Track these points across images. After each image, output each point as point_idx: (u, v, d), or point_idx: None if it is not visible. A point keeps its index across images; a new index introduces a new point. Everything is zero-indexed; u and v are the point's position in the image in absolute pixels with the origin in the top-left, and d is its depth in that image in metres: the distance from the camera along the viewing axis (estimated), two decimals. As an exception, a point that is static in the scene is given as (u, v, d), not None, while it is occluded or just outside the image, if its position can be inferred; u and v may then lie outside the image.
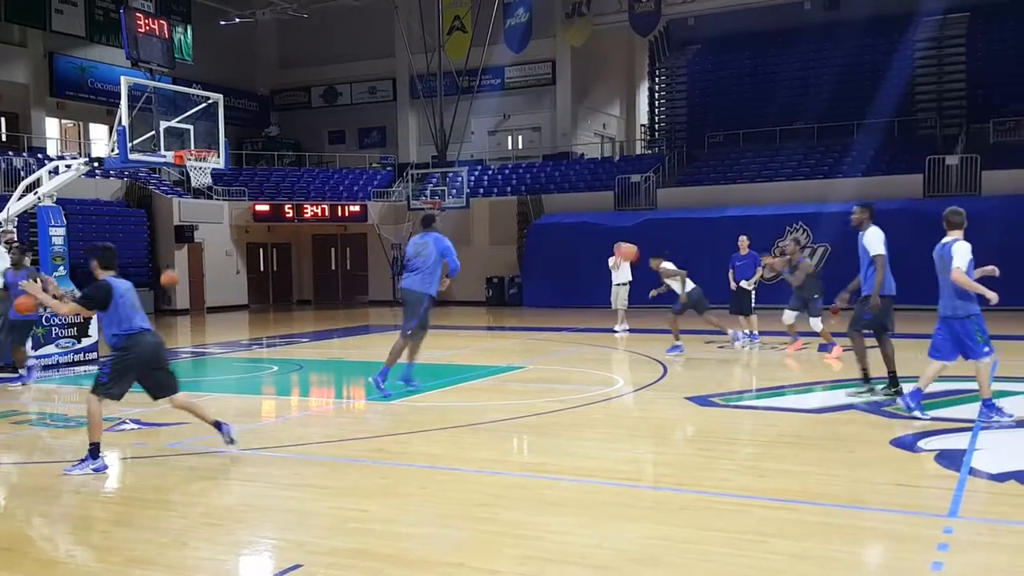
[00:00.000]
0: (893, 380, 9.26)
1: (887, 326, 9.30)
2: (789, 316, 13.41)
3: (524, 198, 28.74)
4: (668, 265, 14.25)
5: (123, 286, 6.92)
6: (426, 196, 29.31)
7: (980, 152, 24.17)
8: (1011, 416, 7.90)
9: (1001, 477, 6.22)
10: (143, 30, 17.41)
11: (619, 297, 17.58)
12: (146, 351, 6.90)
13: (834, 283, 10.84)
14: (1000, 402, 8.19)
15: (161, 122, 13.42)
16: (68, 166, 13.95)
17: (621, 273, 17.63)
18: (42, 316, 13.26)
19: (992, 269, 8.16)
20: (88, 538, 5.45)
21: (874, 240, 9.21)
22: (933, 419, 8.18)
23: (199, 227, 27.49)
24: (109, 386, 6.76)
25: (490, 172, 32.13)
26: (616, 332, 17.21)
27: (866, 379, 9.45)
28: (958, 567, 4.56)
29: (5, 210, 13.70)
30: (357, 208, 29.89)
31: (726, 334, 14.28)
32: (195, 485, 6.51)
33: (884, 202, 23.19)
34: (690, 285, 13.88)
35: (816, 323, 13.17)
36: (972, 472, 6.33)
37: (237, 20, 33.30)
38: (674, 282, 14.07)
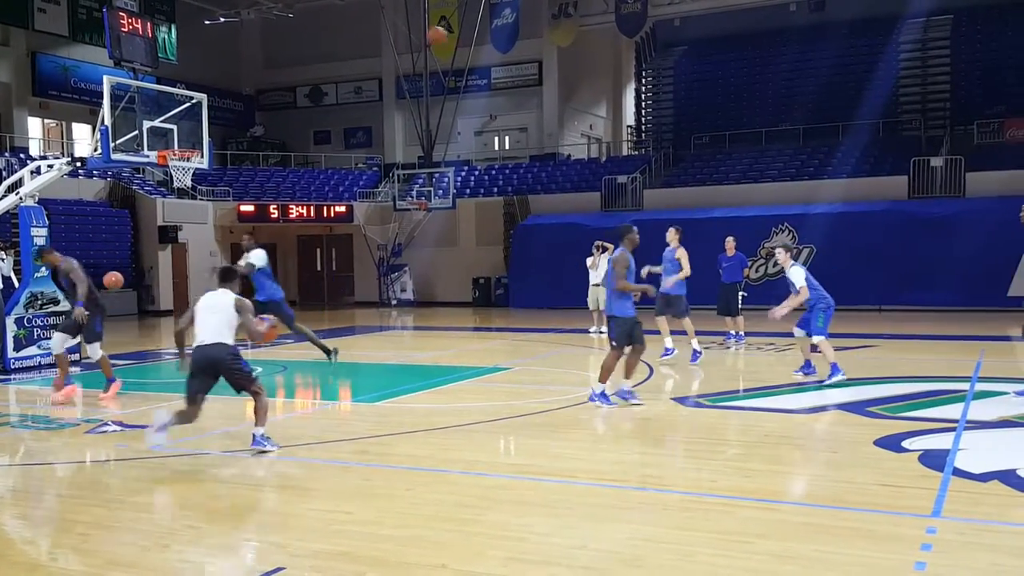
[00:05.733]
0: None
1: None
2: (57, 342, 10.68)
3: (511, 199, 28.71)
4: None
5: None
6: (412, 197, 29.25)
7: (964, 154, 24.32)
8: None
9: (984, 477, 6.25)
10: (126, 29, 17.31)
11: (600, 298, 17.52)
12: None
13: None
14: (983, 402, 8.21)
15: (144, 122, 13.31)
16: (50, 166, 13.82)
17: (600, 273, 17.57)
18: (24, 318, 13.16)
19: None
20: (69, 540, 5.40)
21: None
22: (917, 419, 8.21)
23: (183, 227, 27.33)
24: None
25: (476, 173, 32.10)
26: (591, 332, 17.21)
27: None
28: (941, 567, 4.57)
29: (-14, 210, 13.57)
30: (343, 209, 29.79)
31: None
32: (177, 487, 6.46)
33: (868, 203, 23.38)
34: None
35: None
36: (956, 472, 6.35)
37: (222, 19, 33.13)
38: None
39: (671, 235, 12.89)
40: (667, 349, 12.83)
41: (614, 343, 9.17)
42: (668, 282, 12.54)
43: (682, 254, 12.58)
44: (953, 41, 29.60)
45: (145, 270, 26.98)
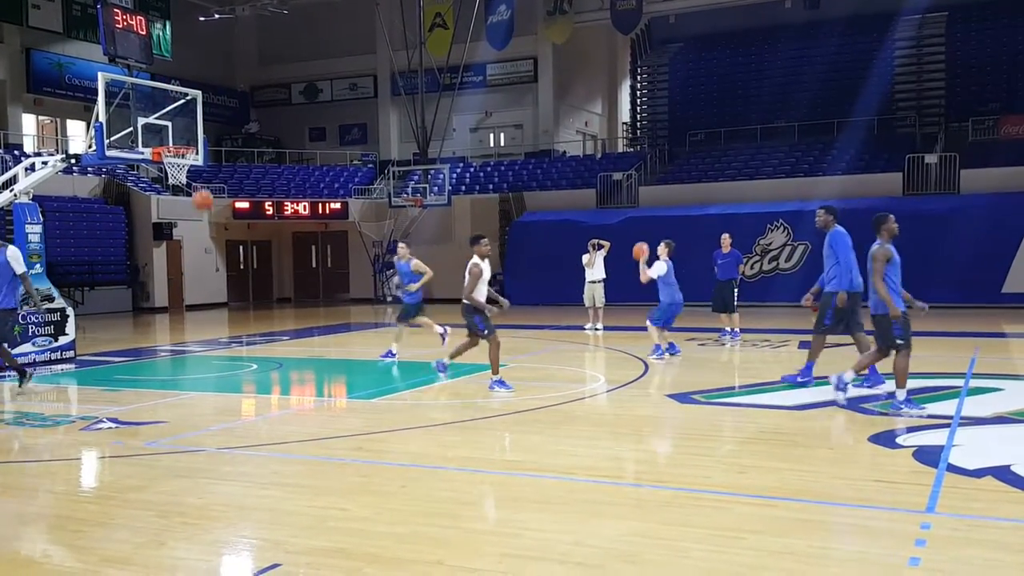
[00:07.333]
0: None
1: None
2: None
3: (506, 196, 28.71)
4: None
5: None
6: (407, 193, 29.22)
7: (959, 151, 24.36)
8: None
9: (978, 473, 6.27)
10: (121, 26, 17.31)
11: (596, 295, 17.56)
12: None
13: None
14: (977, 398, 8.23)
15: (139, 118, 13.27)
16: (45, 163, 13.80)
17: (596, 270, 17.64)
18: (18, 314, 13.13)
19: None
20: (63, 537, 5.39)
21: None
22: (911, 415, 8.23)
23: (178, 224, 27.28)
24: None
25: (472, 169, 32.08)
26: (586, 329, 17.24)
27: None
28: (935, 562, 4.58)
29: (-20, 207, 13.54)
30: (338, 205, 29.76)
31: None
32: (172, 484, 6.45)
33: (864, 200, 23.37)
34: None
35: None
36: (950, 468, 6.37)
37: (217, 16, 33.07)
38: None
39: (402, 250, 14.24)
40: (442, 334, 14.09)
41: (881, 343, 8.63)
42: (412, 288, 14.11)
43: (416, 265, 13.98)
44: (948, 38, 29.65)
45: (140, 267, 26.93)
